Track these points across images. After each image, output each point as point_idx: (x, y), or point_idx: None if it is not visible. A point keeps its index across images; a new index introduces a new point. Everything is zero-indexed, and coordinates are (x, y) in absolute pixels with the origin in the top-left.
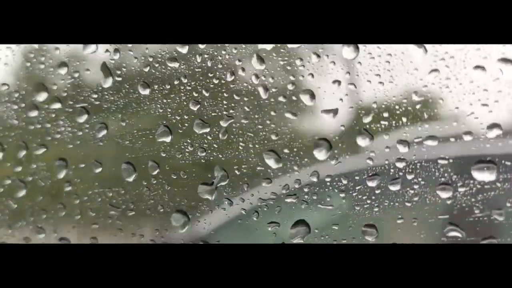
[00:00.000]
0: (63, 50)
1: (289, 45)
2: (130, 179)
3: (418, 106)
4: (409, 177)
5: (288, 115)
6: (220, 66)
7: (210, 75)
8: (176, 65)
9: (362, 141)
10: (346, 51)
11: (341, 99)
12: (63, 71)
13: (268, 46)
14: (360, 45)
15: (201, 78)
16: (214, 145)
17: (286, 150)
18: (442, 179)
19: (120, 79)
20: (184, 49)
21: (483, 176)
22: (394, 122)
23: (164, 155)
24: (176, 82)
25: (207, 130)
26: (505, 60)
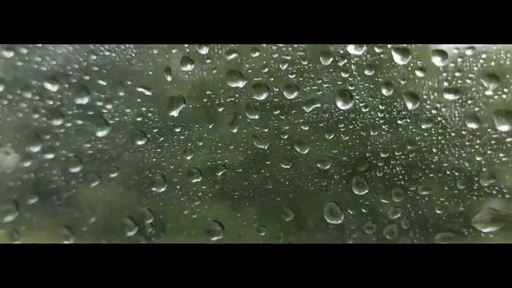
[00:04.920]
0: (56, 98)
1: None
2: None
3: None
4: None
5: (282, 164)
6: (213, 114)
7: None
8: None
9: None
10: (340, 103)
11: (335, 150)
12: (58, 121)
13: (262, 96)
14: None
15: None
16: (209, 193)
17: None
18: None
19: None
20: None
21: None
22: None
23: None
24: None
25: (200, 179)
26: None
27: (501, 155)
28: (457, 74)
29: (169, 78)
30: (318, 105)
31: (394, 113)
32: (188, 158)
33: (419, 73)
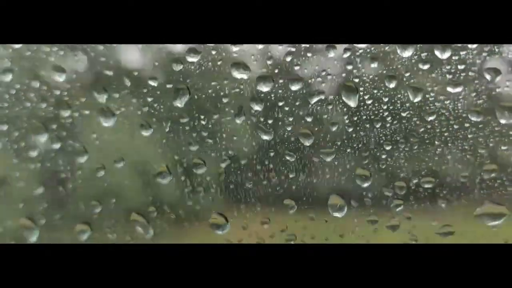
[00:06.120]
0: (64, 88)
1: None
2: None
3: None
4: None
5: (287, 156)
6: (219, 105)
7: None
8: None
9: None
10: (348, 98)
11: (338, 141)
12: (65, 113)
13: (266, 88)
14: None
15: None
16: (213, 184)
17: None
18: None
19: (120, 118)
20: (182, 101)
21: None
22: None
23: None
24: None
25: (205, 170)
26: None
27: (503, 147)
28: (460, 66)
29: (174, 69)
30: (322, 96)
31: (398, 105)
32: (193, 149)
33: (422, 66)
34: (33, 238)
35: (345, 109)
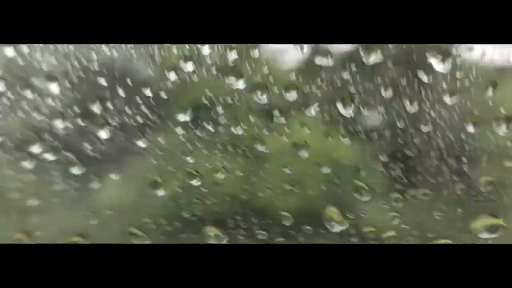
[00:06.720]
0: (57, 98)
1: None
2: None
3: None
4: None
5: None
6: (214, 116)
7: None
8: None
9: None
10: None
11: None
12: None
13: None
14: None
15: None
16: (209, 196)
17: None
18: None
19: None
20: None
21: None
22: None
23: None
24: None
25: (201, 182)
26: None
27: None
28: (457, 75)
29: (170, 79)
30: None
31: (394, 115)
32: (188, 160)
33: (419, 74)
34: None
35: (341, 119)
